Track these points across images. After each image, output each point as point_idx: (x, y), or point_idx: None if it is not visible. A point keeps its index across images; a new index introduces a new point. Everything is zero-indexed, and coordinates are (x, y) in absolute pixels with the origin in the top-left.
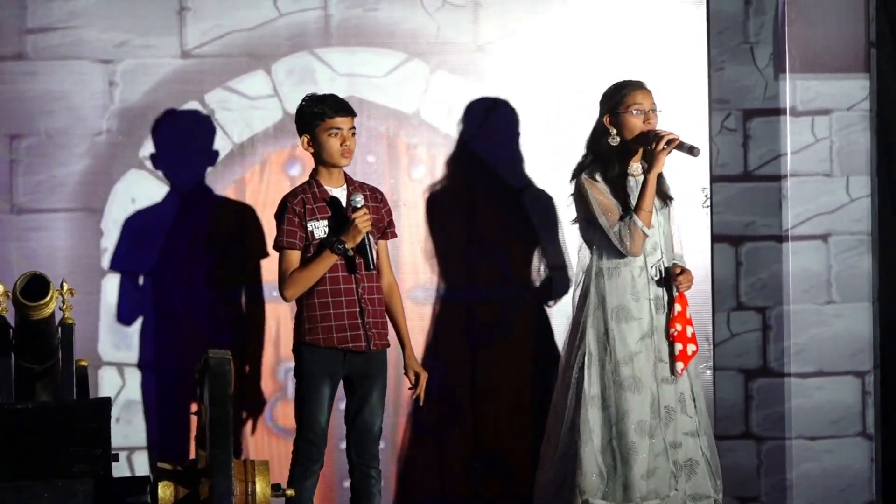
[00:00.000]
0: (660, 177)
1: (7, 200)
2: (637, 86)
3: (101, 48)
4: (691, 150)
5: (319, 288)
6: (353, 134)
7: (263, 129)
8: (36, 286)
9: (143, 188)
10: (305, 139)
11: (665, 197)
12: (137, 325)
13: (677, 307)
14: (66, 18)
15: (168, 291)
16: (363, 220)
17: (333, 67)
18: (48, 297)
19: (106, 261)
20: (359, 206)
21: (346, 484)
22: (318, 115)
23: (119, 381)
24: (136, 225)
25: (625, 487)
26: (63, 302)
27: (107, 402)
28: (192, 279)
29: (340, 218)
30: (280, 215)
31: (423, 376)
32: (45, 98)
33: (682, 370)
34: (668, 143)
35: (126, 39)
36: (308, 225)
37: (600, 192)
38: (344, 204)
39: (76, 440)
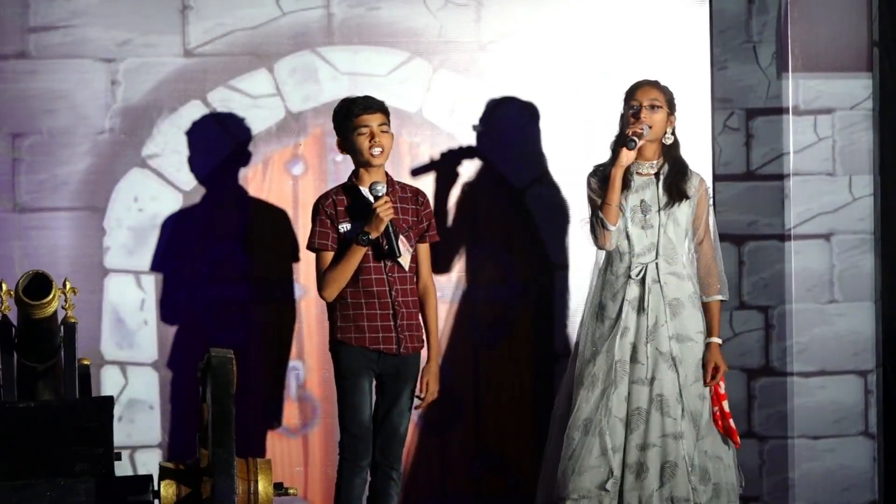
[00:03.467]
0: (674, 172)
1: (10, 199)
2: (640, 83)
3: (104, 47)
4: (627, 143)
5: (352, 289)
6: (385, 131)
7: (266, 128)
8: (38, 285)
9: (146, 187)
10: (338, 141)
11: (677, 195)
12: (140, 323)
13: (722, 385)
14: (68, 17)
15: (170, 290)
16: (384, 209)
17: (336, 66)
18: (50, 296)
19: (108, 260)
20: (380, 194)
21: None
22: (346, 115)
23: (121, 380)
24: (139, 224)
25: (559, 482)
26: (65, 301)
27: (109, 401)
28: (194, 278)
29: (367, 214)
30: (313, 217)
31: (432, 393)
32: (48, 97)
33: (739, 442)
34: (625, 136)
35: (128, 38)
36: (339, 227)
37: (591, 189)
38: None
39: (78, 439)
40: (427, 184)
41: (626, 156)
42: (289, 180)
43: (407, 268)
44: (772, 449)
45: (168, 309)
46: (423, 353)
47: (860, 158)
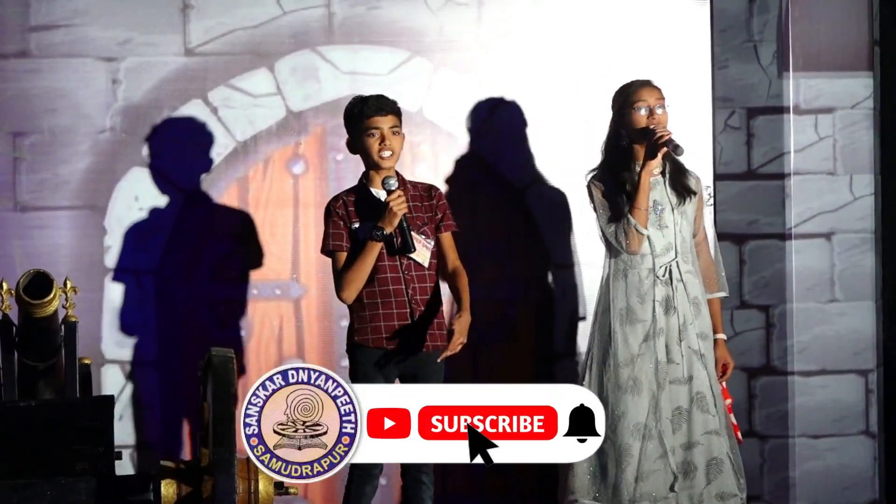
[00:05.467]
0: (675, 170)
1: (10, 198)
2: (641, 83)
3: (105, 46)
4: (675, 149)
5: (368, 289)
6: (396, 133)
7: (266, 128)
8: (39, 284)
9: (146, 186)
10: (347, 141)
11: (685, 193)
12: (140, 323)
13: (724, 382)
14: (69, 16)
15: (171, 289)
16: (397, 203)
17: (336, 65)
18: (51, 295)
19: (109, 259)
20: (392, 189)
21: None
22: (357, 116)
23: (122, 379)
24: (139, 223)
25: (615, 489)
26: (66, 300)
27: (110, 400)
28: (195, 277)
29: (379, 212)
30: (325, 220)
31: (458, 338)
32: (49, 96)
33: (741, 438)
34: (661, 140)
35: (129, 37)
36: (352, 227)
37: (602, 194)
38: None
39: (79, 438)
40: (427, 182)
41: (658, 160)
42: (289, 179)
43: (426, 265)
44: (772, 448)
45: (168, 309)
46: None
47: (861, 157)
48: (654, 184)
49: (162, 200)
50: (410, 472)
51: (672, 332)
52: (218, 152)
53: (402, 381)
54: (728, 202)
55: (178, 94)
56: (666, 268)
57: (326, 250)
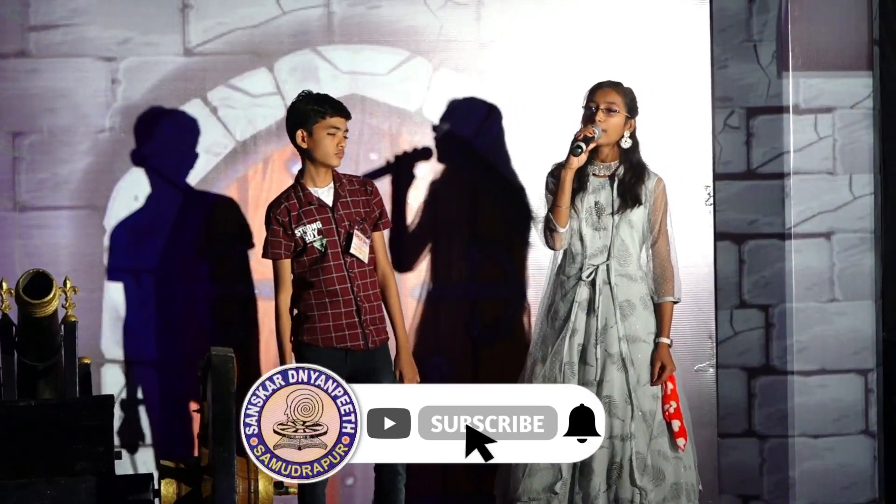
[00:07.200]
0: (628, 176)
1: (10, 198)
2: (600, 84)
3: (104, 46)
4: (574, 150)
5: (315, 289)
6: (346, 137)
7: (266, 127)
8: (39, 284)
9: (146, 186)
10: (302, 134)
11: (630, 199)
12: (140, 322)
13: (669, 385)
14: (68, 16)
15: (171, 289)
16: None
17: (336, 65)
18: (51, 295)
19: (108, 258)
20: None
21: (349, 482)
22: (319, 113)
23: (121, 379)
24: (139, 222)
25: (511, 484)
26: (66, 299)
27: (109, 400)
28: (194, 277)
29: (326, 220)
30: (266, 225)
31: (411, 380)
32: (48, 95)
33: (684, 445)
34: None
35: (129, 37)
36: (296, 231)
37: (548, 190)
38: (330, 204)
39: (79, 438)
40: (426, 182)
41: (576, 159)
42: (289, 179)
43: (366, 260)
44: (772, 447)
45: (168, 308)
46: (392, 344)
47: (860, 157)
48: (601, 185)
49: (161, 200)
50: (385, 465)
51: (590, 333)
52: (217, 152)
53: (354, 379)
54: (728, 202)
55: (177, 93)
56: (593, 269)
57: (266, 256)
